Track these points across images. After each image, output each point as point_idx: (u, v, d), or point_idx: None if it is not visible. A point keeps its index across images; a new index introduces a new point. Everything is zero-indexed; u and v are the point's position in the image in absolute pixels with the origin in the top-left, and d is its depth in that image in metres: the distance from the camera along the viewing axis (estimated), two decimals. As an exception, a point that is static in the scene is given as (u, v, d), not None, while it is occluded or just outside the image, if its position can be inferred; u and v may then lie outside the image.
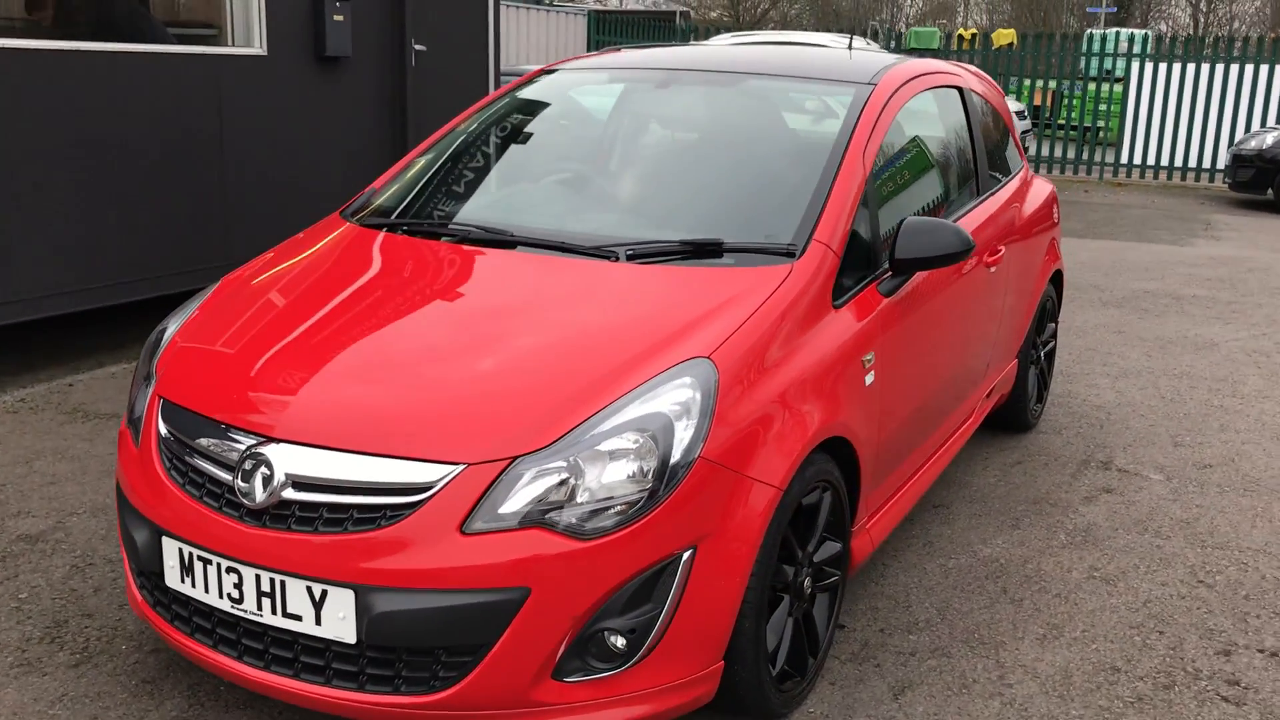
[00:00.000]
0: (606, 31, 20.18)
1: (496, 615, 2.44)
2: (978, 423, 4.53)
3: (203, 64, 6.22)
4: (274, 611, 2.56)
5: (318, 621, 2.52)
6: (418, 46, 7.62)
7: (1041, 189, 5.21)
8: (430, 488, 2.47)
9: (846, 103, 3.66)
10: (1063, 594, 3.76)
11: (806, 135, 3.62)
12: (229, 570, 2.60)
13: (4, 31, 5.47)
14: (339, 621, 2.50)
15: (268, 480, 2.56)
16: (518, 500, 2.47)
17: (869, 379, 3.21)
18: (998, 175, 4.68)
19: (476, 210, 3.63)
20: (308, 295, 3.16)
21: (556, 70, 4.26)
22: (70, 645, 3.26)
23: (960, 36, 19.54)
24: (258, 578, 2.56)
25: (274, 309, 3.11)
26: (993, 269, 4.24)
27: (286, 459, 2.57)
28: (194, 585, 2.68)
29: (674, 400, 2.61)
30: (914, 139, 3.98)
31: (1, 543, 3.87)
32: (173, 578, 2.73)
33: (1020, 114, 14.58)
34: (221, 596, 2.63)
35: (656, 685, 2.61)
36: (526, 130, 3.95)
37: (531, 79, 4.23)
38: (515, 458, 2.49)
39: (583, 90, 4.13)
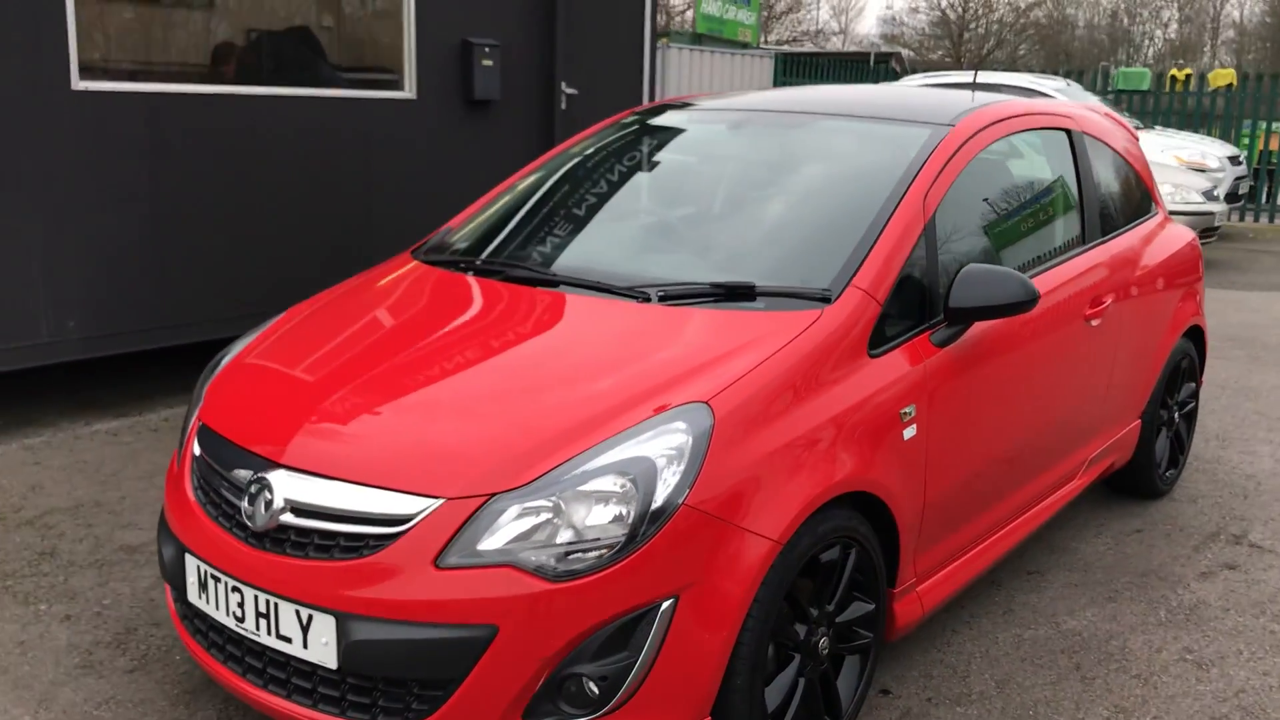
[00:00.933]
0: (794, 73, 20.07)
1: (465, 651, 2.44)
2: (1081, 487, 4.25)
3: (352, 107, 6.55)
4: (269, 632, 2.64)
5: (305, 645, 2.58)
6: (568, 90, 7.79)
7: (1176, 237, 4.87)
8: (409, 520, 2.50)
9: (919, 145, 3.53)
10: (1143, 675, 3.46)
11: (868, 178, 3.50)
12: (234, 590, 2.70)
13: (187, 78, 5.89)
14: (322, 647, 2.55)
15: (269, 504, 2.65)
16: (498, 538, 2.47)
17: (909, 433, 3.06)
18: (1116, 222, 4.40)
19: (533, 250, 3.67)
20: (350, 328, 3.27)
21: (644, 112, 4.28)
22: (132, 651, 3.44)
23: (1173, 78, 18.51)
24: (256, 598, 2.65)
25: (317, 341, 3.23)
26: (1094, 322, 3.98)
27: (287, 485, 2.65)
28: (208, 602, 2.79)
29: (665, 445, 2.56)
30: (997, 183, 3.80)
31: (105, 550, 4.13)
32: (192, 593, 2.85)
33: (1234, 159, 13.67)
34: (228, 614, 2.73)
35: (635, 737, 2.54)
36: (599, 172, 3.98)
37: (619, 120, 4.27)
38: (494, 494, 2.49)
39: (659, 133, 4.13)
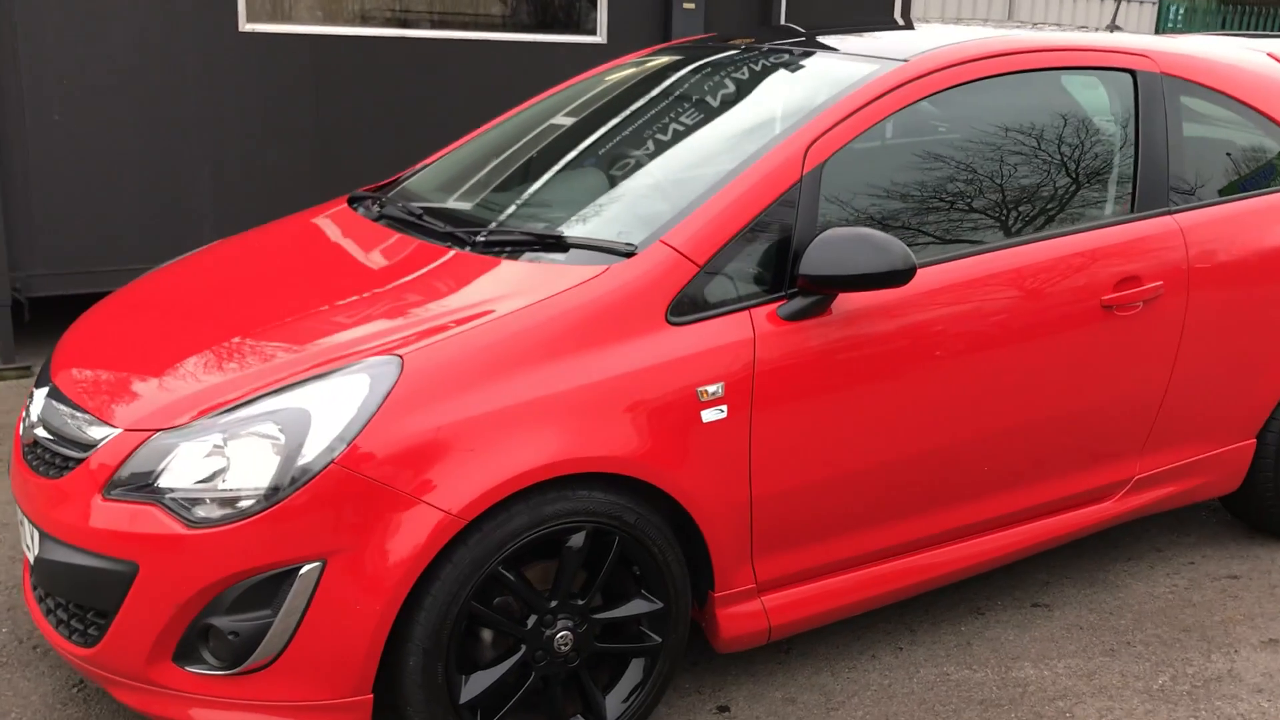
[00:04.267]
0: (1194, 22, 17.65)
1: (114, 584, 2.41)
2: (1120, 514, 3.46)
3: (533, 51, 6.57)
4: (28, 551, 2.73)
5: (33, 564, 2.66)
6: (790, 33, 7.36)
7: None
8: (93, 446, 2.51)
9: (841, 86, 2.99)
10: (1054, 749, 2.80)
11: (765, 124, 3.01)
12: (27, 525, 2.76)
13: (355, 20, 6.20)
14: (35, 564, 2.62)
15: (30, 420, 2.76)
16: (156, 475, 2.40)
17: (711, 415, 2.64)
18: (1214, 188, 3.50)
19: (424, 192, 3.45)
20: (212, 261, 3.29)
21: (642, 57, 3.95)
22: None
23: None
24: (29, 528, 2.71)
25: (185, 272, 3.28)
26: (1122, 311, 3.20)
27: (41, 402, 2.74)
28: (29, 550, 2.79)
29: (333, 397, 2.38)
30: (959, 135, 3.14)
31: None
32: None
33: None
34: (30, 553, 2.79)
35: (285, 700, 2.42)
36: (541, 120, 3.70)
37: (615, 64, 3.97)
38: (158, 430, 2.43)
39: (621, 76, 3.78)
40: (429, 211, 3.17)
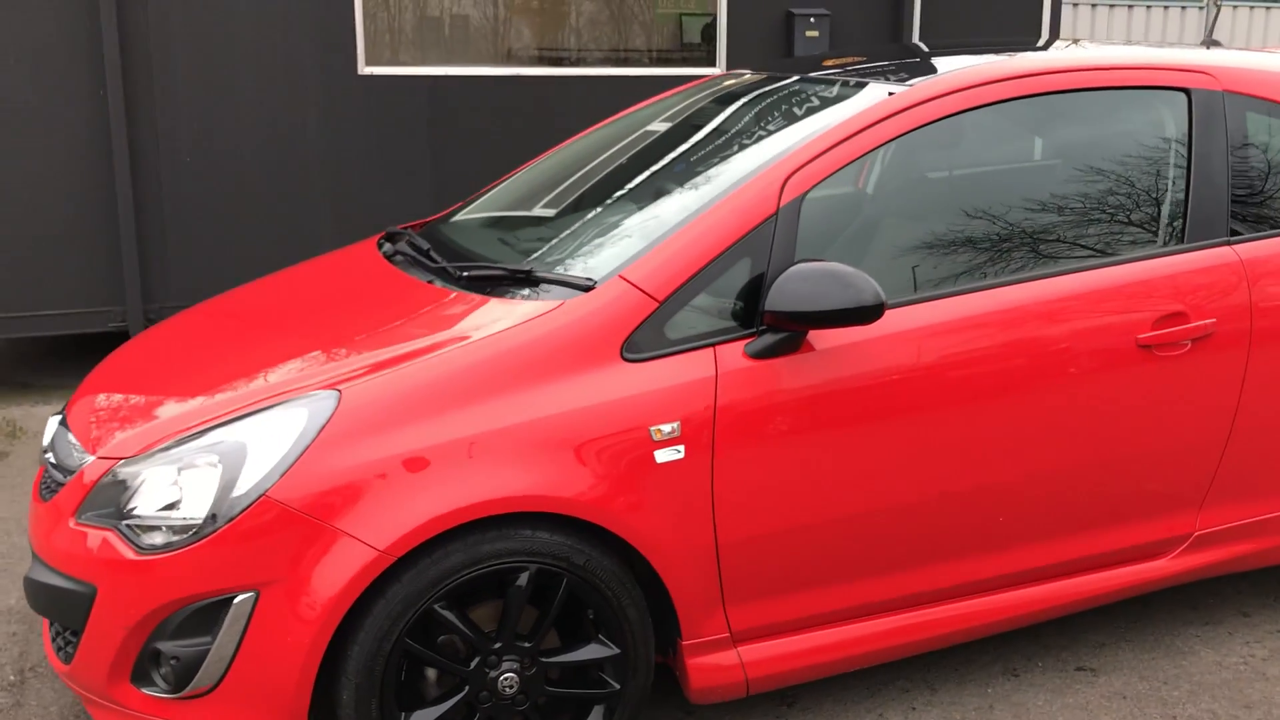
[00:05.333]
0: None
1: (80, 605, 2.53)
2: (1167, 575, 3.14)
3: (645, 86, 6.58)
4: None
5: None
6: (919, 59, 7.12)
7: None
8: (73, 472, 2.64)
9: (834, 116, 2.86)
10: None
11: (752, 156, 2.90)
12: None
13: (470, 60, 6.37)
14: (24, 582, 2.78)
15: (43, 449, 2.93)
16: (118, 502, 2.51)
17: (666, 455, 2.55)
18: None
19: (447, 235, 3.46)
20: (236, 305, 3.38)
21: (684, 91, 3.89)
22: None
23: None
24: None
25: (209, 315, 3.38)
26: (1165, 351, 2.92)
27: (52, 432, 2.91)
28: None
29: (272, 429, 2.43)
30: (970, 163, 2.94)
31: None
32: None
33: None
34: None
35: (228, 727, 2.47)
36: (578, 156, 3.67)
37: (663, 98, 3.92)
38: (121, 459, 2.54)
39: (651, 111, 3.72)
40: (437, 247, 3.20)
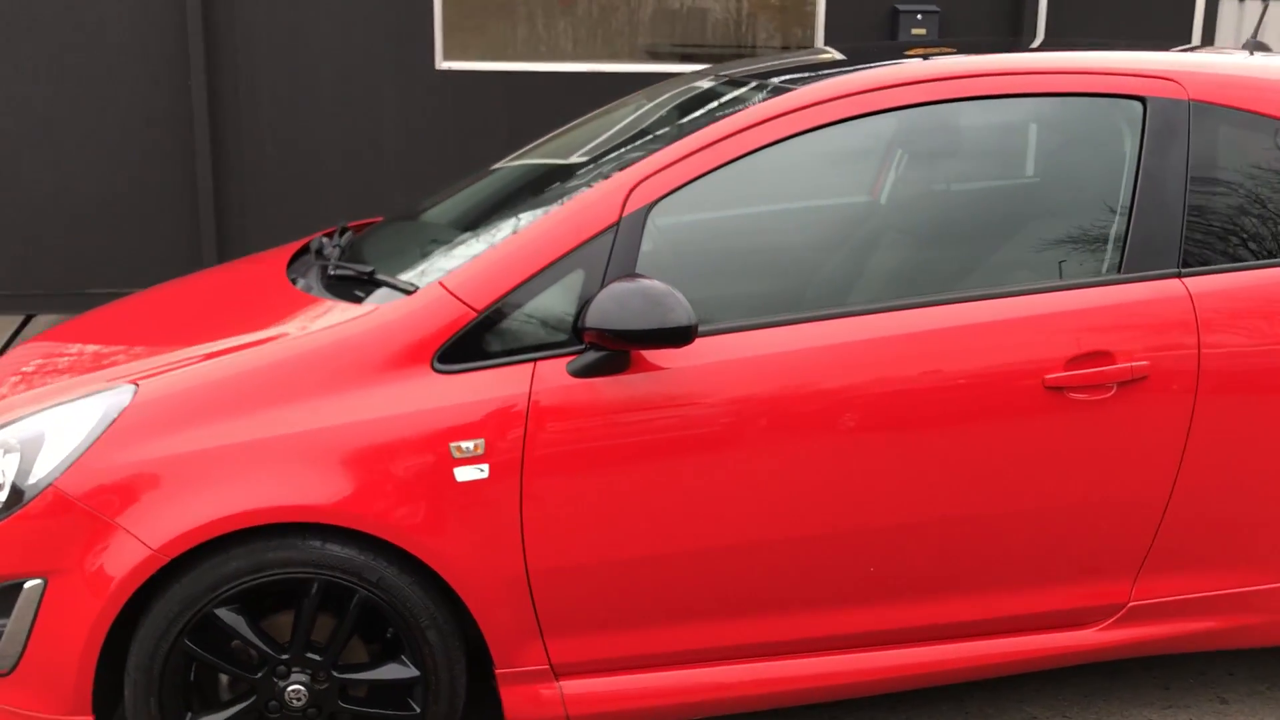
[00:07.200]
0: None
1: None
2: (1094, 646, 2.76)
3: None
4: None
5: None
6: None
7: None
8: None
9: (701, 122, 2.65)
10: None
11: (612, 162, 2.71)
12: None
13: (551, 57, 6.33)
14: None
15: None
16: None
17: (466, 474, 2.42)
18: (1254, 248, 2.71)
19: (374, 234, 3.38)
20: (161, 296, 3.39)
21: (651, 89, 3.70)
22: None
23: None
24: None
25: (134, 306, 3.38)
26: (1080, 394, 2.56)
27: None
28: None
29: (66, 420, 2.45)
30: (847, 177, 2.64)
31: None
32: None
33: None
34: None
35: (19, 708, 2.50)
36: (518, 154, 3.55)
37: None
38: (-40, 439, 2.61)
39: (603, 110, 3.53)
40: (344, 253, 3.13)
